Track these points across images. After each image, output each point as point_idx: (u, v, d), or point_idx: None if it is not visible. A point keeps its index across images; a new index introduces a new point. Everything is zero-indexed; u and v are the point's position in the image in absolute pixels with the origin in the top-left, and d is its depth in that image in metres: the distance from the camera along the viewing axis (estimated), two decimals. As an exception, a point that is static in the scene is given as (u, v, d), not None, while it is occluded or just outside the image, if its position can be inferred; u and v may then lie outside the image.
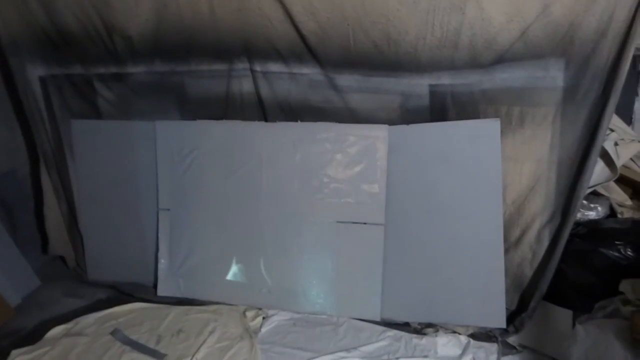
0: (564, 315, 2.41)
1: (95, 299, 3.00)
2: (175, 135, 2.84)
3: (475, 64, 2.25)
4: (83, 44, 2.72)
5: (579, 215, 2.48)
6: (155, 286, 2.96)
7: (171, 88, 2.80)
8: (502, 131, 2.35)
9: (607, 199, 2.66)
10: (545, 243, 2.43)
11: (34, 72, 2.90)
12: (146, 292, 2.98)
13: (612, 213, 2.63)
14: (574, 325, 2.24)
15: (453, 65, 2.28)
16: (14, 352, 2.45)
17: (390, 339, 2.48)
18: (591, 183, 2.42)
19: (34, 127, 2.99)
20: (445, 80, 2.36)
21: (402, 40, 2.25)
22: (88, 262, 3.19)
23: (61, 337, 2.56)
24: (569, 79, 2.18)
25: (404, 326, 2.59)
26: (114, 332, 2.56)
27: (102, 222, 3.10)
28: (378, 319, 2.62)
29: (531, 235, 2.45)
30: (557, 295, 2.49)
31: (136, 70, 2.78)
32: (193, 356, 2.37)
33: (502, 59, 2.21)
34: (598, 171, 2.51)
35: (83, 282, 3.18)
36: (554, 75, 2.20)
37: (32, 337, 2.61)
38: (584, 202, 2.54)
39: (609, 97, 2.07)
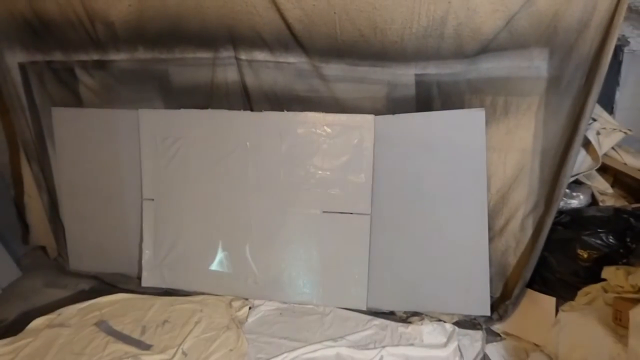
0: (547, 302, 2.45)
1: (77, 290, 2.97)
2: (159, 124, 2.81)
3: (461, 53, 2.27)
4: (64, 30, 2.67)
5: (561, 203, 2.51)
6: (139, 277, 2.93)
7: (155, 76, 2.76)
8: (486, 121, 2.37)
9: (589, 187, 2.70)
10: (529, 231, 2.47)
11: (14, 59, 2.84)
12: (130, 282, 2.95)
13: (594, 201, 2.67)
14: (557, 312, 2.29)
15: (439, 54, 2.29)
16: (-5, 343, 2.43)
17: (376, 328, 2.49)
18: (574, 172, 2.45)
19: (13, 114, 2.92)
20: (431, 70, 2.37)
21: (389, 29, 2.25)
22: (70, 252, 3.14)
23: (44, 328, 2.53)
24: (553, 69, 2.21)
25: (390, 315, 2.61)
26: (99, 323, 2.54)
27: (85, 212, 3.05)
28: (364, 308, 2.63)
29: (515, 223, 2.48)
30: (541, 282, 2.53)
31: (119, 57, 2.74)
32: (179, 346, 2.35)
33: (487, 49, 2.23)
34: (580, 160, 2.55)
35: (65, 273, 3.14)
36: (538, 65, 2.23)
37: (14, 328, 2.58)
38: (567, 190, 2.58)
39: (591, 86, 2.10)
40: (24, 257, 3.35)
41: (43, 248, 3.37)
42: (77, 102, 2.95)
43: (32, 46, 2.81)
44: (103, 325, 2.52)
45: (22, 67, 2.88)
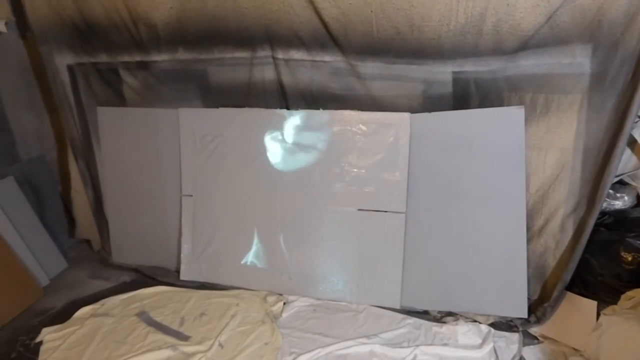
0: (588, 306, 2.38)
1: (120, 282, 3.09)
2: (198, 123, 2.88)
3: (500, 50, 2.22)
4: (109, 33, 2.78)
5: (604, 204, 2.43)
6: (177, 270, 3.02)
7: (194, 76, 2.83)
8: (526, 119, 2.32)
9: (634, 188, 2.60)
10: (570, 233, 2.40)
11: (63, 61, 2.97)
12: (169, 276, 3.05)
13: (639, 203, 2.57)
14: (598, 316, 2.22)
15: (477, 51, 2.26)
16: (45, 330, 2.57)
17: (410, 327, 2.48)
18: (618, 172, 2.37)
19: (62, 114, 3.06)
20: (468, 67, 2.33)
21: (426, 27, 2.24)
22: (113, 245, 3.27)
23: (88, 317, 2.65)
24: (597, 65, 2.13)
25: (424, 314, 2.59)
26: (140, 314, 2.63)
27: (127, 207, 3.17)
28: (398, 307, 2.62)
29: (555, 224, 2.42)
30: (581, 285, 2.46)
31: (160, 58, 2.82)
32: (216, 339, 2.41)
33: (527, 45, 2.18)
34: (625, 160, 2.45)
35: (108, 265, 3.27)
36: (581, 62, 2.16)
37: (61, 316, 2.72)
38: (610, 191, 2.49)
39: (638, 83, 2.01)
40: (70, 249, 3.52)
41: (88, 241, 3.52)
42: (121, 101, 3.07)
43: (80, 48, 2.94)
44: (144, 316, 2.62)
45: (70, 68, 3.01)
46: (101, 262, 3.33)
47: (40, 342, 2.50)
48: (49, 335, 2.52)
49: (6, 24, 2.99)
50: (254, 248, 2.85)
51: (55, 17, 2.82)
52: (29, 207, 3.11)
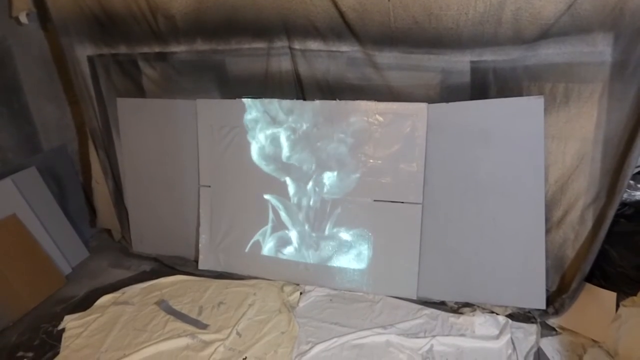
0: (607, 297, 2.35)
1: (139, 271, 3.15)
2: (215, 114, 2.91)
3: (519, 39, 2.20)
4: (128, 24, 2.81)
5: (625, 195, 2.39)
6: (196, 260, 3.06)
7: (212, 67, 2.85)
8: (545, 108, 2.29)
9: (656, 179, 2.56)
10: (589, 224, 2.37)
11: (83, 52, 3.02)
12: (188, 265, 3.10)
13: (661, 194, 2.54)
14: (617, 307, 2.20)
15: (496, 41, 2.24)
16: (67, 318, 2.63)
17: (426, 317, 2.48)
18: (639, 162, 2.33)
19: (83, 105, 3.11)
20: (487, 56, 2.31)
21: (444, 15, 2.22)
22: (133, 235, 3.33)
23: (109, 305, 2.70)
24: (618, 54, 2.10)
25: (440, 305, 2.59)
26: (159, 302, 2.68)
27: (146, 198, 3.21)
28: (414, 297, 2.63)
29: (574, 215, 2.40)
30: (601, 276, 2.44)
31: (178, 49, 2.85)
32: (233, 327, 2.45)
33: (547, 34, 2.15)
34: (647, 150, 2.42)
35: (128, 254, 3.34)
36: (602, 50, 2.13)
37: (83, 304, 2.78)
38: (631, 182, 2.44)
39: (661, 72, 1.99)
40: (92, 239, 3.59)
41: (108, 231, 3.58)
42: (140, 92, 3.10)
43: (100, 40, 2.98)
44: (163, 305, 2.66)
45: (91, 60, 3.05)
46: (121, 251, 3.39)
47: (63, 330, 2.56)
48: (71, 323, 2.58)
49: (27, 15, 3.04)
50: (271, 238, 2.87)
51: (75, 8, 2.85)
52: (51, 197, 3.17)
